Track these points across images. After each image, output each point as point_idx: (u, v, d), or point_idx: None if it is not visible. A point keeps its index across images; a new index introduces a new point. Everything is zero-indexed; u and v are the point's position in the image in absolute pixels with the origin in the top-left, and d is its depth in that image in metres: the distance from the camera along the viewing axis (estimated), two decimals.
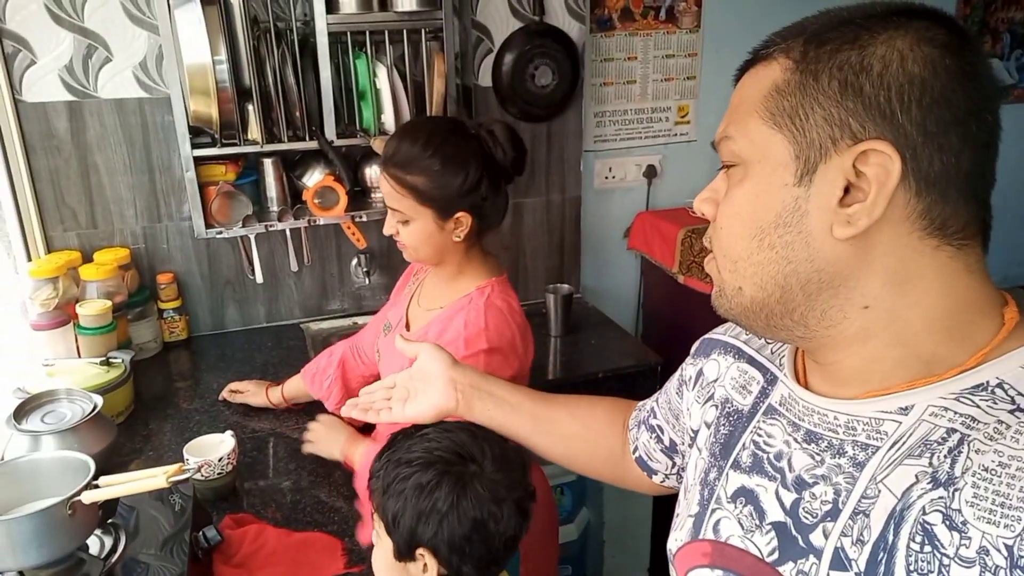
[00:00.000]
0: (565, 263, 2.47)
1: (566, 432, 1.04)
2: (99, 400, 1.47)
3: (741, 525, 0.68)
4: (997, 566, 0.49)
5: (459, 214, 1.30)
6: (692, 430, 0.84)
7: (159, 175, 2.01)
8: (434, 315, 1.40)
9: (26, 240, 1.92)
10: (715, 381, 0.82)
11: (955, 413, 0.56)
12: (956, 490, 0.53)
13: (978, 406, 0.56)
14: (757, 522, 0.67)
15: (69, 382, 1.58)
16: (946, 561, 0.52)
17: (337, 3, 1.83)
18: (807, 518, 0.62)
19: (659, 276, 2.47)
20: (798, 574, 0.61)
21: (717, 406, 0.79)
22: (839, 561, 0.58)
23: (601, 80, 2.42)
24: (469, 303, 1.34)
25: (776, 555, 0.64)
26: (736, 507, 0.70)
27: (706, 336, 0.89)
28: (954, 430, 0.56)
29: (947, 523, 0.53)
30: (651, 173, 2.55)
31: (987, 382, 0.57)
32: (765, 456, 0.69)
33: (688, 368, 0.89)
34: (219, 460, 1.41)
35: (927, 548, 0.53)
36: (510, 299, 1.37)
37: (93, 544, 1.13)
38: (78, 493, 1.04)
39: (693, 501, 0.77)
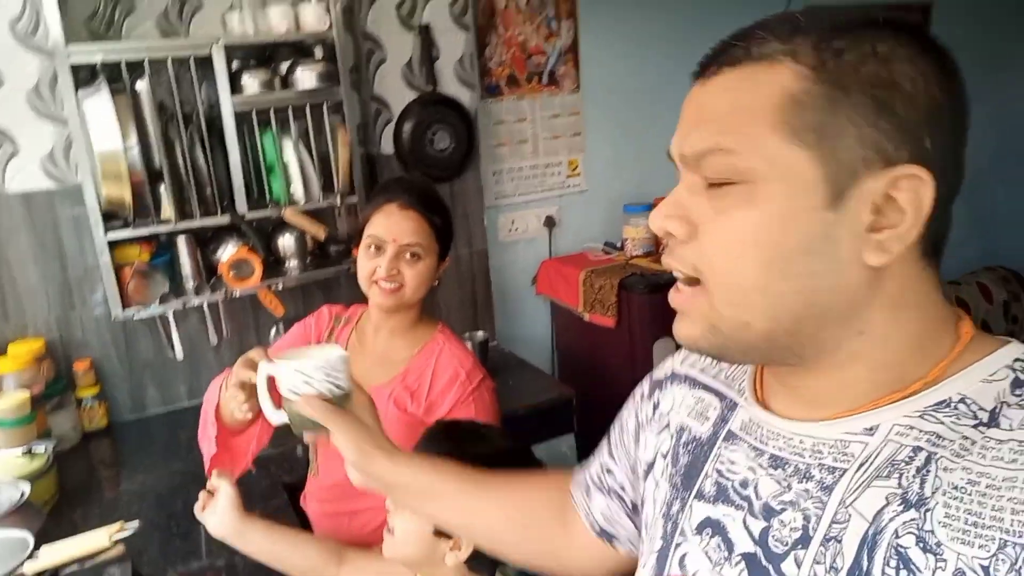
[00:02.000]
0: (479, 312, 2.59)
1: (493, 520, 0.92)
2: (26, 487, 1.46)
3: (709, 558, 0.64)
4: None
5: (446, 259, 1.47)
6: (647, 462, 0.79)
7: (71, 263, 2.02)
8: (403, 365, 1.43)
9: None
10: (669, 411, 0.78)
11: (920, 431, 0.55)
12: (928, 510, 0.52)
13: (942, 423, 0.55)
14: (726, 554, 0.63)
15: None
16: None
17: (241, 85, 1.94)
18: (777, 547, 0.59)
19: (567, 317, 2.63)
20: None
21: (673, 435, 0.76)
22: None
23: (496, 141, 2.60)
24: (441, 344, 1.45)
25: None
26: (703, 539, 0.66)
27: (653, 376, 0.84)
28: (920, 448, 0.55)
29: (921, 545, 0.51)
30: (550, 223, 2.73)
31: (949, 398, 0.56)
32: (730, 484, 0.66)
33: (644, 409, 0.83)
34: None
35: (903, 572, 0.51)
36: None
37: None
38: (21, 564, 1.06)
39: (656, 536, 0.73)
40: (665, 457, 0.75)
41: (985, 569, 0.48)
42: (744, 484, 0.64)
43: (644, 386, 0.85)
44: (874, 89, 0.53)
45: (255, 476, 1.78)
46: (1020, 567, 0.47)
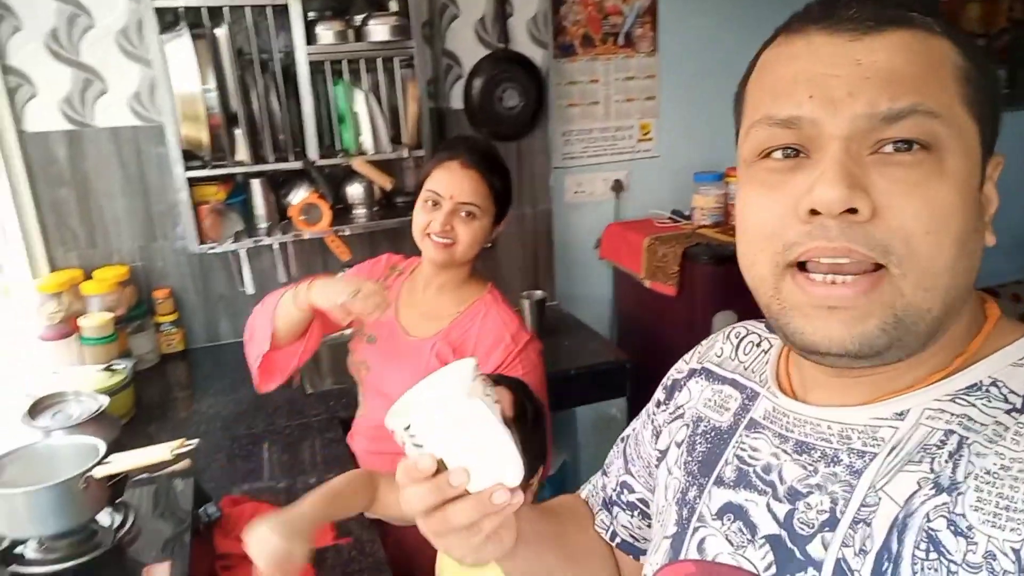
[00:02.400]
0: (540, 273, 2.62)
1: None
2: (105, 400, 1.59)
3: (730, 542, 0.64)
4: (1005, 570, 0.48)
5: (503, 221, 1.52)
6: (659, 450, 0.79)
7: (154, 198, 2.16)
8: (451, 320, 1.50)
9: (31, 261, 2.06)
10: (686, 403, 0.78)
11: (951, 414, 0.55)
12: (959, 494, 0.52)
13: (974, 405, 0.55)
14: (749, 536, 0.63)
15: (76, 386, 1.70)
16: (954, 568, 0.50)
17: (315, 35, 1.99)
18: (803, 529, 0.59)
19: (628, 282, 2.63)
20: None
21: (688, 425, 0.76)
22: (841, 572, 0.55)
23: (567, 102, 2.60)
24: (488, 304, 1.50)
25: (773, 569, 0.60)
26: (723, 524, 0.66)
27: (672, 376, 0.84)
28: (952, 431, 0.55)
29: (952, 528, 0.51)
30: (618, 187, 2.72)
31: (980, 381, 0.56)
32: (751, 469, 0.66)
33: (659, 417, 0.82)
34: None
35: (932, 555, 0.51)
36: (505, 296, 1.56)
37: (104, 518, 1.25)
38: (91, 468, 1.17)
39: (669, 522, 0.73)
40: (680, 446, 0.75)
41: (1016, 552, 0.48)
42: (767, 469, 0.64)
43: (658, 395, 0.84)
44: (989, 76, 0.55)
45: (314, 410, 1.89)
46: None
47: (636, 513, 0.84)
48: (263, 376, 1.56)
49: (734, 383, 0.74)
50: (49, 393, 1.57)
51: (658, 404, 0.83)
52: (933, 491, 0.53)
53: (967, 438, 0.54)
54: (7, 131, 1.99)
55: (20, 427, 1.47)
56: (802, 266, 0.55)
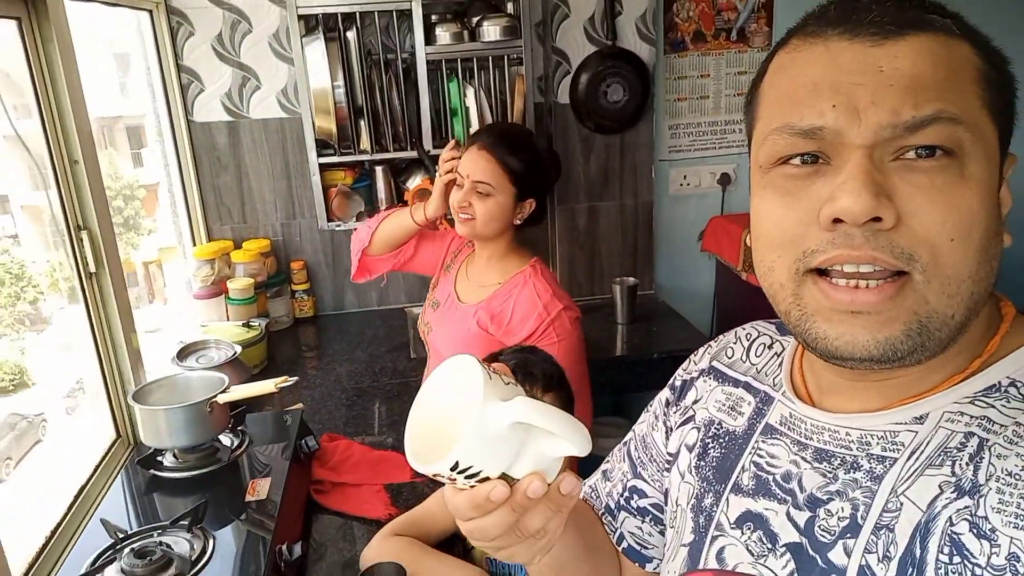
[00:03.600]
0: (639, 262, 2.71)
1: None
2: (238, 348, 1.89)
3: (750, 551, 0.63)
4: None
5: (529, 200, 1.63)
6: (670, 453, 0.78)
7: (294, 180, 2.47)
8: (493, 290, 1.66)
9: (193, 231, 2.43)
10: (694, 403, 0.77)
11: (971, 417, 0.55)
12: (981, 497, 0.51)
13: (993, 407, 0.55)
14: (770, 546, 0.62)
15: (218, 336, 2.02)
16: (978, 571, 0.50)
17: (434, 36, 2.21)
18: (824, 536, 0.58)
19: (729, 275, 2.66)
20: None
21: (699, 428, 0.74)
22: None
23: (675, 96, 2.66)
24: (528, 277, 1.64)
25: None
26: (743, 533, 0.65)
27: (680, 376, 0.82)
28: (972, 434, 0.54)
29: (975, 531, 0.51)
30: (725, 180, 2.75)
31: (999, 383, 0.56)
32: (770, 477, 0.65)
33: (670, 418, 0.80)
34: None
35: (956, 559, 0.51)
36: (551, 271, 1.68)
37: (225, 439, 1.52)
38: (215, 395, 1.44)
39: (685, 529, 0.71)
40: (691, 450, 0.74)
41: None
42: (787, 478, 0.63)
43: (666, 395, 0.82)
44: (1008, 78, 0.55)
45: (414, 372, 2.10)
46: None
47: (648, 519, 0.82)
48: (359, 270, 1.90)
49: (747, 386, 0.73)
50: (195, 340, 1.90)
51: (667, 404, 0.81)
52: (955, 494, 0.53)
53: (987, 440, 0.53)
54: (180, 121, 2.36)
55: (170, 366, 1.79)
56: (822, 272, 0.54)
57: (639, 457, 0.83)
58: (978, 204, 0.51)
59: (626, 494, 0.84)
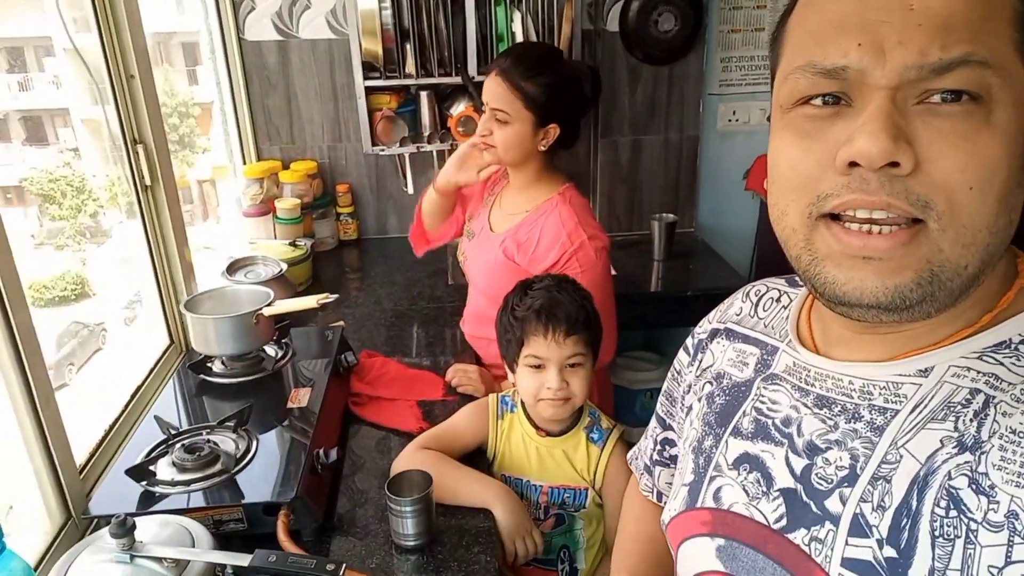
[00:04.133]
0: (680, 199, 2.69)
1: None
2: (284, 266, 1.97)
3: (746, 492, 0.65)
4: None
5: (551, 125, 1.59)
6: (687, 407, 0.81)
7: (341, 103, 2.49)
8: (520, 218, 1.67)
9: (243, 150, 2.49)
10: (712, 365, 0.78)
11: (978, 372, 0.54)
12: (983, 453, 0.51)
13: (1002, 364, 0.54)
14: (764, 488, 0.63)
15: (266, 253, 2.10)
16: (973, 526, 0.50)
17: None
18: (821, 484, 0.59)
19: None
20: (811, 541, 0.58)
21: (712, 382, 0.76)
22: (858, 527, 0.55)
23: (729, 27, 2.58)
24: (555, 205, 1.62)
25: (784, 522, 0.61)
26: (740, 474, 0.66)
27: (696, 335, 0.84)
28: (978, 390, 0.54)
29: (974, 487, 0.51)
30: None
31: (1010, 339, 0.55)
32: (770, 421, 0.66)
33: (686, 377, 0.83)
34: None
35: (952, 513, 0.51)
36: (584, 198, 1.66)
37: (270, 350, 1.60)
38: (261, 308, 1.51)
39: (686, 470, 0.74)
40: (701, 401, 0.76)
41: None
42: (786, 422, 0.64)
43: (682, 355, 0.85)
44: None
45: (450, 298, 2.16)
46: None
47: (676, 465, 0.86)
48: (416, 243, 1.98)
49: (755, 341, 0.74)
50: (243, 256, 1.97)
51: (686, 364, 0.84)
52: (956, 449, 0.52)
53: (994, 397, 0.53)
54: (231, 39, 2.38)
55: (220, 279, 1.87)
56: (835, 217, 0.53)
57: (666, 411, 0.89)
58: (1002, 152, 0.49)
59: (658, 447, 0.90)
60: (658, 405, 0.92)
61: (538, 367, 1.29)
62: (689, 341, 0.85)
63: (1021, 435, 0.50)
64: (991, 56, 0.48)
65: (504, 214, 1.72)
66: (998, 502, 0.49)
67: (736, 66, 2.64)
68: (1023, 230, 0.57)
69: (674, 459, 0.88)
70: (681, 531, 0.71)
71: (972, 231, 0.50)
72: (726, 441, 0.69)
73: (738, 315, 0.79)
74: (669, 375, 0.89)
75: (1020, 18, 0.50)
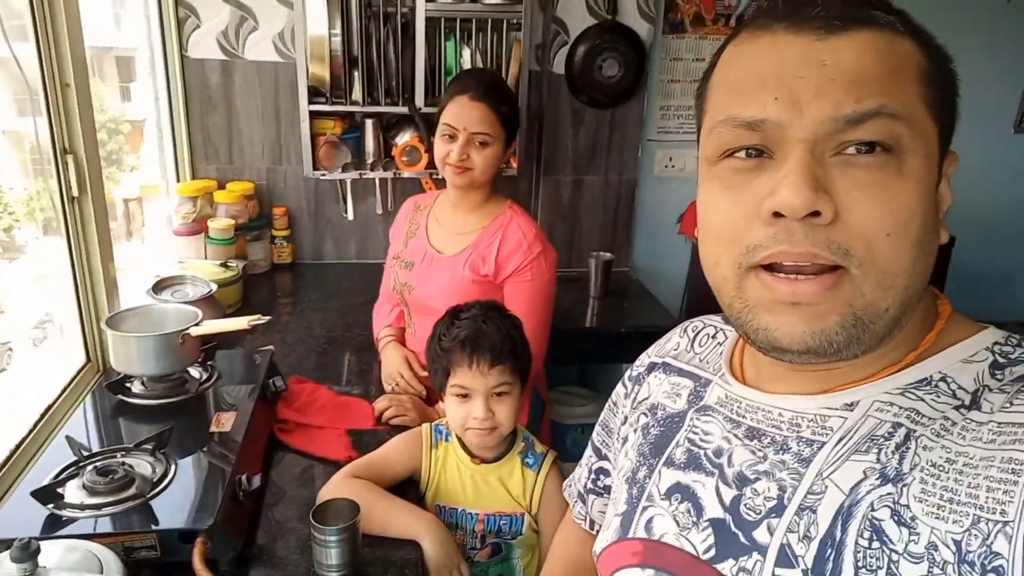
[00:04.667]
0: (617, 239, 2.75)
1: None
2: (214, 286, 1.91)
3: (677, 522, 0.66)
4: (945, 561, 0.49)
5: (513, 143, 1.68)
6: (623, 438, 0.82)
7: (283, 126, 2.47)
8: (477, 235, 1.69)
9: (178, 168, 2.43)
10: (647, 398, 0.80)
11: (900, 407, 0.56)
12: (904, 486, 0.53)
13: (922, 400, 0.56)
14: (694, 519, 0.64)
15: (195, 273, 2.04)
16: (895, 557, 0.51)
17: None
18: (749, 515, 0.60)
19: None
20: (739, 572, 0.59)
21: (647, 413, 0.78)
22: (785, 558, 0.56)
23: (669, 77, 2.68)
24: (510, 217, 1.69)
25: (713, 552, 0.61)
26: (671, 504, 0.67)
27: (635, 368, 0.86)
28: (900, 424, 0.55)
29: (896, 519, 0.52)
30: None
31: (931, 376, 0.57)
32: (702, 452, 0.67)
33: (622, 409, 0.85)
34: None
35: (875, 544, 0.52)
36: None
37: (195, 372, 1.54)
38: (188, 327, 1.46)
39: (620, 500, 0.74)
40: (637, 432, 0.78)
41: (957, 543, 0.49)
42: (718, 453, 0.65)
43: (621, 388, 0.87)
44: (949, 77, 0.56)
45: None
46: (992, 542, 0.48)
47: (609, 495, 0.88)
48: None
49: (689, 374, 0.76)
50: (171, 275, 1.91)
51: (623, 396, 0.86)
52: (879, 481, 0.54)
53: (915, 431, 0.55)
54: (173, 56, 2.34)
55: (145, 299, 1.80)
56: (765, 267, 0.55)
57: (602, 441, 0.90)
58: (916, 199, 0.53)
59: (592, 476, 0.92)
60: (594, 434, 0.93)
61: (464, 396, 1.29)
62: (628, 374, 0.87)
63: (941, 468, 0.52)
64: (902, 109, 0.52)
65: (453, 235, 1.73)
66: (919, 534, 0.51)
67: (674, 114, 2.73)
68: (940, 272, 0.60)
69: (607, 489, 0.89)
70: (612, 562, 0.72)
71: (891, 275, 0.53)
72: (659, 471, 0.70)
73: (675, 350, 0.81)
74: (607, 406, 0.90)
75: (925, 74, 0.54)
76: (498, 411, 1.28)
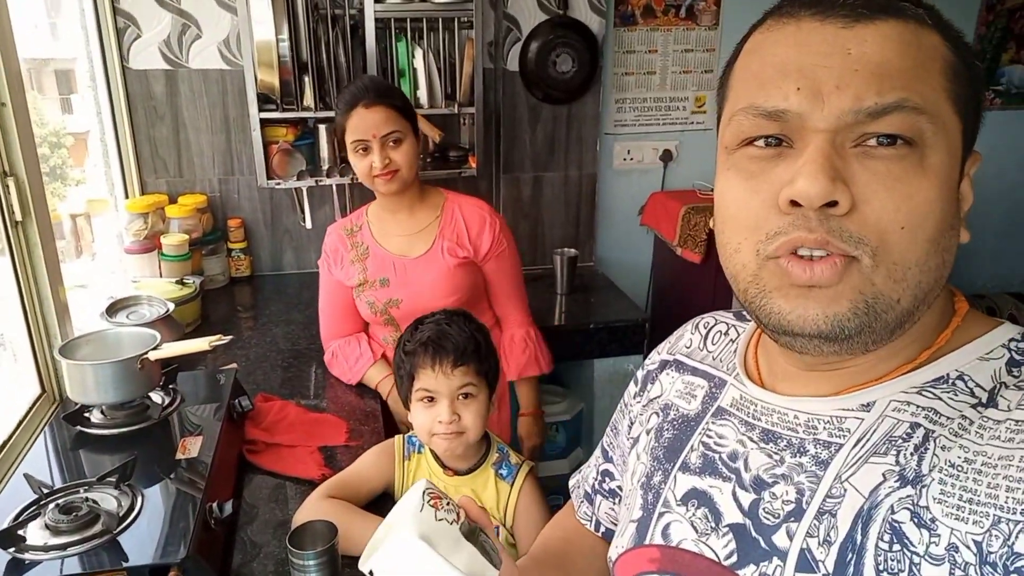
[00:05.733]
0: (580, 234, 2.75)
1: None
2: (171, 305, 1.85)
3: (695, 528, 0.65)
4: (967, 562, 0.49)
5: (419, 132, 1.70)
6: (632, 438, 0.81)
7: (234, 135, 2.40)
8: (436, 227, 1.72)
9: (126, 183, 2.35)
10: (659, 396, 0.79)
11: (917, 407, 0.56)
12: (923, 487, 0.52)
13: (940, 399, 0.56)
14: (713, 524, 0.63)
15: (150, 292, 1.97)
16: (916, 559, 0.51)
17: None
18: (768, 519, 0.59)
19: (665, 250, 2.72)
20: None
21: (659, 413, 0.77)
22: (805, 562, 0.56)
23: (623, 70, 2.68)
24: (454, 201, 1.75)
25: (735, 558, 0.61)
26: (688, 510, 0.66)
27: (646, 367, 0.86)
28: (918, 424, 0.55)
29: (915, 521, 0.52)
30: (667, 157, 2.80)
31: (947, 375, 0.57)
32: (717, 456, 0.66)
33: (633, 408, 0.84)
34: None
35: (896, 547, 0.52)
36: None
37: (156, 397, 1.49)
38: (147, 351, 1.41)
39: (634, 506, 0.73)
40: (649, 433, 0.76)
41: (978, 544, 0.49)
42: (733, 457, 0.65)
43: (632, 387, 0.86)
44: (976, 73, 0.55)
45: None
46: (1013, 543, 0.48)
47: (617, 500, 0.87)
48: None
49: (703, 373, 0.75)
50: (125, 296, 1.85)
51: (633, 395, 0.85)
52: (898, 483, 0.54)
53: (933, 431, 0.54)
54: (114, 67, 2.26)
55: (99, 322, 1.74)
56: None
57: (610, 443, 0.89)
58: (935, 195, 0.52)
59: (599, 478, 0.90)
60: (604, 436, 0.92)
61: (430, 400, 1.27)
62: (639, 373, 0.86)
63: (960, 469, 0.52)
64: (924, 103, 0.51)
65: (411, 236, 1.74)
66: (939, 535, 0.50)
67: (630, 107, 2.73)
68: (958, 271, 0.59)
69: (613, 492, 0.88)
70: (629, 569, 0.71)
71: (902, 268, 0.52)
72: (674, 477, 0.69)
73: (688, 347, 0.80)
74: (617, 408, 0.89)
75: (951, 69, 0.53)
76: (464, 415, 1.26)
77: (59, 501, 1.14)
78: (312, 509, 1.23)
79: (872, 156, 0.52)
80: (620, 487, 0.85)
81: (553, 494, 2.44)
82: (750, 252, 0.57)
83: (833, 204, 0.51)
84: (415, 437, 1.37)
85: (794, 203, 0.53)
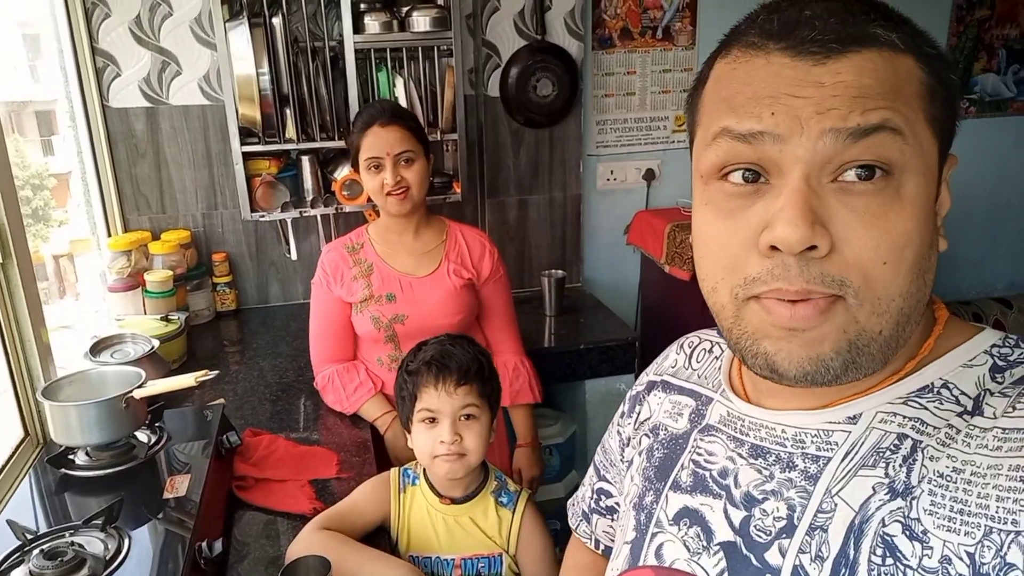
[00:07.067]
0: (567, 255, 2.75)
1: None
2: (156, 343, 1.83)
3: (687, 547, 0.64)
4: (960, 574, 0.48)
5: (431, 157, 1.74)
6: (627, 460, 0.81)
7: (216, 169, 2.40)
8: (441, 249, 1.77)
9: (108, 221, 2.33)
10: (648, 419, 0.79)
11: (904, 417, 0.56)
12: (914, 499, 0.52)
13: (926, 408, 0.55)
14: (704, 543, 0.63)
15: (135, 330, 1.95)
16: (910, 573, 0.50)
17: (363, 25, 2.18)
18: (760, 536, 0.59)
19: (652, 268, 2.72)
20: None
21: (648, 435, 0.77)
22: None
23: (603, 92, 2.70)
24: (455, 227, 1.81)
25: None
26: (680, 529, 0.66)
27: (635, 388, 0.86)
28: (905, 435, 0.55)
29: (907, 533, 0.51)
30: (650, 176, 2.82)
31: (932, 384, 0.56)
32: (707, 473, 0.66)
33: (625, 429, 0.85)
34: None
35: (889, 560, 0.51)
36: None
37: (142, 436, 1.46)
38: (132, 390, 1.39)
39: (628, 527, 0.73)
40: (641, 455, 0.76)
41: (971, 555, 0.48)
42: (723, 474, 0.64)
43: (623, 407, 0.87)
44: (951, 88, 0.55)
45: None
46: (1005, 553, 0.47)
47: (615, 517, 0.87)
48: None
49: (690, 391, 0.75)
50: (109, 335, 1.82)
51: (622, 416, 0.86)
52: (888, 496, 0.53)
53: (920, 441, 0.54)
54: (94, 106, 2.25)
55: (83, 362, 1.71)
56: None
57: (602, 462, 0.90)
58: (913, 225, 0.52)
59: (595, 496, 0.91)
60: (596, 455, 0.92)
61: (432, 421, 1.26)
62: (628, 394, 0.86)
63: (949, 479, 0.51)
64: (905, 124, 0.51)
65: (422, 256, 1.77)
66: (932, 547, 0.50)
67: (611, 128, 2.75)
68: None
69: (610, 509, 0.89)
70: None
71: (886, 301, 0.52)
72: (666, 496, 0.69)
73: (673, 367, 0.80)
74: (608, 428, 0.90)
75: (926, 90, 0.53)
76: (466, 437, 1.25)
77: (44, 547, 1.11)
78: (306, 541, 1.21)
79: (850, 192, 0.51)
80: (617, 504, 0.85)
81: (550, 519, 2.41)
82: (727, 293, 0.56)
83: (812, 248, 0.51)
84: (411, 470, 1.35)
85: (774, 247, 0.52)
